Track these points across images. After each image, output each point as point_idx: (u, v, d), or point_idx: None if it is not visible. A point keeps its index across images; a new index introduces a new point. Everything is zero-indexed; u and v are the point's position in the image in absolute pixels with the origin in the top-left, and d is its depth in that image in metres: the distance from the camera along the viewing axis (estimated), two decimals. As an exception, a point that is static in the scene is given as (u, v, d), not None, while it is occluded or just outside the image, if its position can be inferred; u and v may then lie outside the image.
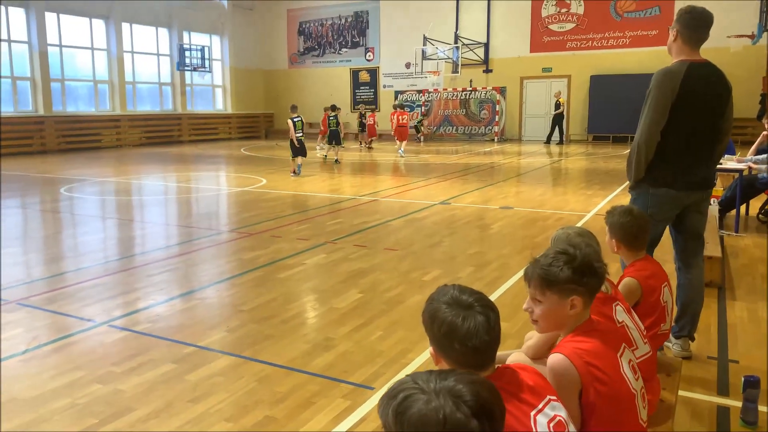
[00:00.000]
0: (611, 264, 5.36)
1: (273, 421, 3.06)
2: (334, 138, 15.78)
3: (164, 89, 24.17)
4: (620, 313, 2.35)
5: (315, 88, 27.29)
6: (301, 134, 13.19)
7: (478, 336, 1.47)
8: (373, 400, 3.25)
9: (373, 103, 26.50)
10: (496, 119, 23.97)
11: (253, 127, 27.79)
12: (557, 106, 21.79)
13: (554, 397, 1.60)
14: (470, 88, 24.48)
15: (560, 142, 21.88)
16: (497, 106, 23.93)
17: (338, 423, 3.02)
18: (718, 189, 8.26)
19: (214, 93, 26.64)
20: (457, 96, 24.91)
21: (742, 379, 2.96)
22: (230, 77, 26.69)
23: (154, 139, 23.14)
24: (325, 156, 16.43)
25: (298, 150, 13.08)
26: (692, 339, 3.70)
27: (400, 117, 18.77)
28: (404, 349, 3.89)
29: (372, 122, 20.87)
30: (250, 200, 10.13)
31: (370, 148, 20.77)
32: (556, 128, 21.98)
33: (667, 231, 3.66)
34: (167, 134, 23.78)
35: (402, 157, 17.36)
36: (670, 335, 3.76)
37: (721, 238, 6.79)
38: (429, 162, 16.51)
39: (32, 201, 10.32)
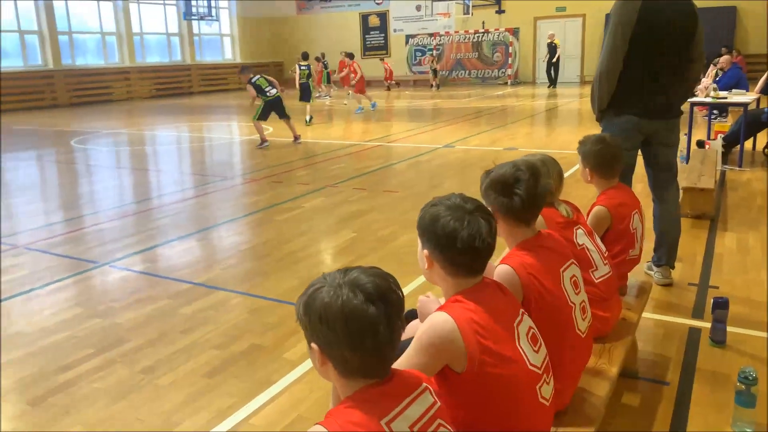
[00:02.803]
0: (586, 192, 5.36)
1: (259, 348, 3.21)
2: (304, 93, 13.16)
3: (172, 40, 23.98)
4: (581, 237, 2.40)
5: (324, 34, 26.84)
6: (304, 81, 12.97)
7: (481, 237, 1.52)
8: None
9: (384, 48, 26.05)
10: (509, 62, 23.48)
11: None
12: (554, 49, 20.86)
13: (524, 311, 1.68)
14: (482, 30, 23.90)
15: (553, 85, 21.11)
16: (510, 48, 23.40)
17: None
18: (725, 124, 8.13)
19: (222, 42, 26.37)
20: (469, 39, 24.37)
21: (712, 300, 3.02)
22: (238, 26, 26.35)
23: (165, 91, 23.12)
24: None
25: (301, 96, 12.88)
26: (672, 267, 3.75)
27: (358, 68, 15.65)
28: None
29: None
30: (255, 148, 10.18)
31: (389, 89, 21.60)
32: (551, 70, 21.31)
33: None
34: (177, 86, 23.72)
35: (371, 110, 15.31)
36: (652, 264, 3.83)
37: (724, 173, 6.74)
38: (441, 107, 16.34)
39: (43, 153, 10.50)
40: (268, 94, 10.09)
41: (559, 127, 11.81)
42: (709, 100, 7.14)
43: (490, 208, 1.91)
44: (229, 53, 26.66)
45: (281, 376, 2.89)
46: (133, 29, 22.06)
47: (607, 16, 3.46)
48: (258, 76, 10.26)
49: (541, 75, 23.04)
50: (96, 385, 2.89)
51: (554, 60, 21.00)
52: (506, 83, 23.29)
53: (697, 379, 2.73)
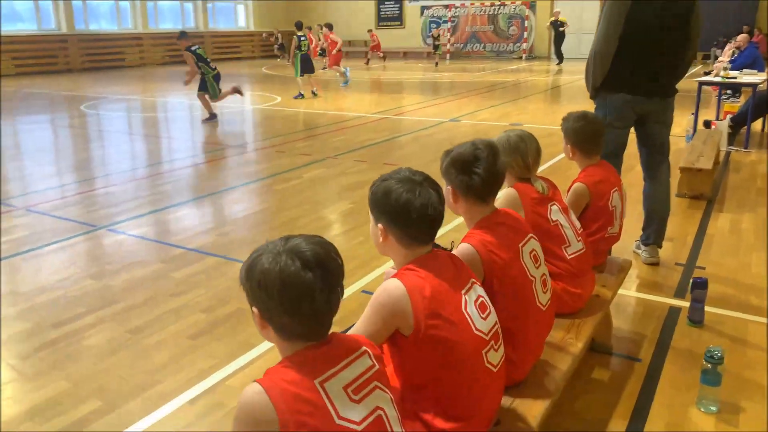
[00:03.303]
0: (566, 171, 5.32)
1: (244, 312, 3.28)
2: (306, 65, 12.34)
3: (185, 6, 23.86)
4: (555, 213, 2.42)
5: (340, 2, 26.52)
6: (304, 52, 12.36)
7: (433, 206, 1.58)
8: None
9: (398, 19, 25.74)
10: (525, 36, 23.12)
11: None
12: (559, 25, 20.23)
13: (474, 280, 1.72)
14: (498, 3, 23.51)
15: (559, 62, 20.28)
16: (526, 22, 23.03)
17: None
18: (736, 104, 8.01)
19: (236, 10, 26.18)
20: (484, 11, 23.99)
21: (691, 280, 3.03)
22: (253, -7, 26.13)
23: (177, 58, 22.99)
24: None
25: (302, 69, 12.29)
26: (659, 246, 3.76)
27: (336, 39, 15.18)
28: (382, 256, 4.04)
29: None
30: (261, 118, 10.20)
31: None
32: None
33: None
34: (190, 53, 23.63)
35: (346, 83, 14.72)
36: (640, 243, 3.84)
37: (729, 154, 6.67)
38: (454, 80, 16.19)
39: (54, 117, 10.59)
40: (211, 66, 9.50)
41: (568, 103, 11.67)
42: (718, 79, 7.02)
43: (450, 187, 1.95)
44: (242, 21, 26.49)
45: (261, 340, 2.96)
46: (147, -5, 21.98)
47: None
48: (197, 45, 9.65)
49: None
50: (85, 343, 2.98)
51: (557, 36, 20.39)
52: (521, 58, 22.98)
53: (670, 357, 2.77)
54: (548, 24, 20.96)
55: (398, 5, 25.84)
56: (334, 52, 14.89)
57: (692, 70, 16.00)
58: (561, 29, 20.27)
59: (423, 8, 25.12)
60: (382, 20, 25.97)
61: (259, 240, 4.39)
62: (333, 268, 1.26)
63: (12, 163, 6.91)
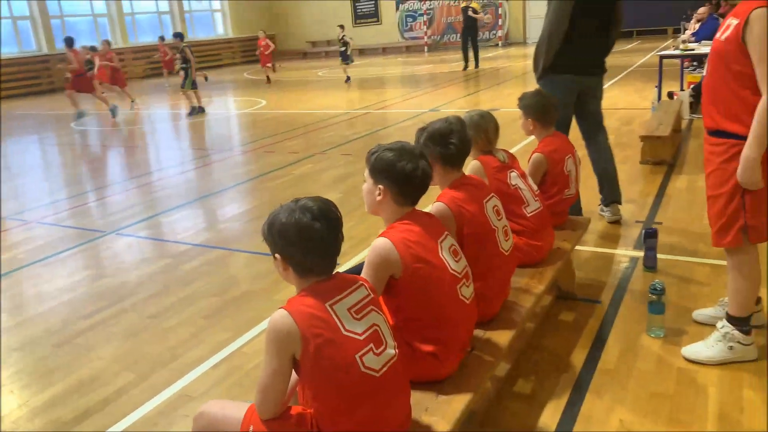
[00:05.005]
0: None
1: (252, 293, 3.67)
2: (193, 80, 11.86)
3: (163, 18, 24.08)
4: (514, 179, 2.81)
5: (316, 4, 26.79)
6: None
7: (427, 174, 1.99)
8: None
9: (375, 15, 26.07)
10: (500, 23, 23.52)
11: (256, 50, 27.62)
12: (471, 19, 15.50)
13: (447, 232, 2.12)
14: (472, -8, 23.85)
15: (476, 65, 15.70)
16: (500, 9, 23.42)
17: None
18: (696, 75, 8.44)
19: (213, 18, 26.42)
20: (459, 2, 24.33)
21: (642, 231, 3.44)
22: (228, 1, 26.34)
23: (159, 70, 23.28)
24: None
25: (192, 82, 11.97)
26: (619, 203, 4.19)
27: (269, 42, 16.64)
28: (372, 233, 4.42)
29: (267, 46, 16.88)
30: (249, 121, 10.54)
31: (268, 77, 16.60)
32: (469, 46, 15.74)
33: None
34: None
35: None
36: (602, 205, 4.25)
37: (691, 122, 7.09)
38: (433, 72, 16.56)
39: (45, 136, 10.89)
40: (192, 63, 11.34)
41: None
42: (677, 52, 7.44)
43: (429, 157, 2.33)
44: (221, 29, 26.72)
45: (270, 313, 3.32)
46: (124, 9, 22.17)
47: None
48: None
49: (533, 35, 23.08)
50: (111, 330, 3.35)
51: (470, 31, 15.65)
52: (497, 45, 23.38)
53: (626, 298, 3.17)
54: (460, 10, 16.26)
55: (373, 2, 26.16)
56: (268, 52, 16.63)
57: (663, 44, 16.46)
58: (473, 17, 15.50)
59: (398, 3, 25.45)
60: (359, 17, 26.27)
61: (257, 232, 4.79)
62: (335, 219, 1.65)
63: (16, 181, 7.23)
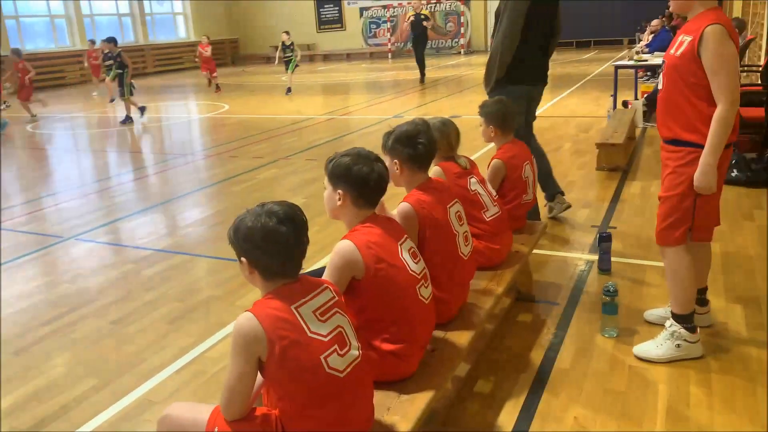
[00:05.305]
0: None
1: (215, 298, 3.67)
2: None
3: (124, 20, 23.65)
4: (474, 184, 2.90)
5: (279, 8, 26.71)
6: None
7: (383, 178, 2.04)
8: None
9: (339, 21, 26.14)
10: (462, 31, 23.88)
11: (218, 53, 27.32)
12: (422, 19, 14.66)
13: (406, 235, 2.18)
14: (434, 1, 24.18)
15: (421, 80, 14.69)
16: (462, 18, 23.79)
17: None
18: (649, 85, 8.75)
19: (175, 21, 26.06)
20: (409, 9, 24.60)
21: (597, 235, 3.57)
22: (190, 3, 26.03)
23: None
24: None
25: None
26: (562, 194, 4.45)
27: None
28: (337, 239, 4.46)
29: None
30: (212, 125, 10.46)
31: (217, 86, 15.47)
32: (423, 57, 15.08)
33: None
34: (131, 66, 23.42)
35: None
36: (547, 203, 4.46)
37: (645, 130, 7.36)
38: (397, 79, 16.71)
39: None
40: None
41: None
42: (631, 62, 7.71)
43: (396, 161, 2.40)
44: (182, 32, 26.38)
45: (233, 318, 3.33)
46: (83, 11, 21.70)
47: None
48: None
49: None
50: (72, 336, 3.31)
51: (423, 39, 14.87)
52: (460, 53, 23.72)
53: (582, 300, 3.29)
54: (408, 20, 15.48)
55: (337, 8, 26.21)
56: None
57: (619, 54, 16.97)
58: (424, 25, 14.66)
59: (362, 9, 25.58)
60: (323, 23, 26.31)
61: (222, 237, 4.80)
62: (300, 223, 1.69)
63: (-33, 187, 7.02)
